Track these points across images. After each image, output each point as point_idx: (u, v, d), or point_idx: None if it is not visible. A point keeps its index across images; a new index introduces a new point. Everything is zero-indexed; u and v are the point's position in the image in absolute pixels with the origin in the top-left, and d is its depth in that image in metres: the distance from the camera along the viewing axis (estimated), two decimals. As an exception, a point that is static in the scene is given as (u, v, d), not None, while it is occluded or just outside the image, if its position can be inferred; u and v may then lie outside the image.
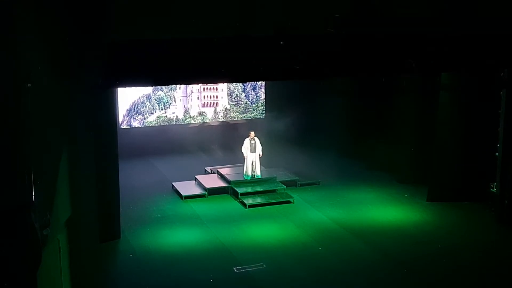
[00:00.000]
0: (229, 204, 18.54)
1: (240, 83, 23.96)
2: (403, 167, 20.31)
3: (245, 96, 24.66)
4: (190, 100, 23.92)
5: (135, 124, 23.40)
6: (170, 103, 23.67)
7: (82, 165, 12.84)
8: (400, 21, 14.75)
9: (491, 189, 17.32)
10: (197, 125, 24.19)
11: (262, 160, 19.70)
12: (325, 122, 23.63)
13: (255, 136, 19.47)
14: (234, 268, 14.17)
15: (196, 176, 20.10)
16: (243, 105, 24.64)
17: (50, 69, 9.97)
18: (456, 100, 17.98)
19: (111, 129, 15.39)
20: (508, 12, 15.32)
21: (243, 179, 19.48)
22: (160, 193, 19.34)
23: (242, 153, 19.52)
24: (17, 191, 8.43)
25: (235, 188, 18.99)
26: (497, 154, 16.86)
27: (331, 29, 13.94)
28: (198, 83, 22.29)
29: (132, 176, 20.26)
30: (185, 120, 23.98)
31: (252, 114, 24.74)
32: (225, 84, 23.72)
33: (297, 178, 20.20)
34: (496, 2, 15.56)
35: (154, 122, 23.60)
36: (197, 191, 19.23)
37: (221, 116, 24.43)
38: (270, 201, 18.51)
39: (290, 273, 14.06)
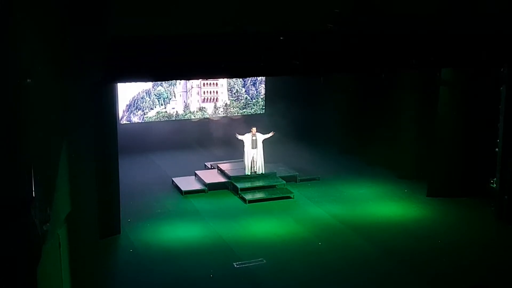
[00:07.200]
0: (229, 200, 18.53)
1: (240, 79, 23.95)
2: (403, 163, 20.31)
3: (245, 91, 24.63)
4: (190, 96, 23.90)
5: (135, 119, 23.39)
6: (170, 99, 23.65)
7: (82, 160, 12.83)
8: (400, 18, 14.73)
9: (491, 185, 17.32)
10: (197, 120, 24.18)
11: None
12: (325, 118, 23.62)
13: (257, 132, 19.46)
14: (234, 264, 14.19)
15: (196, 172, 20.09)
16: (243, 101, 24.62)
17: (50, 65, 9.96)
18: (456, 95, 17.97)
19: (111, 125, 15.39)
20: (507, 9, 15.32)
21: (243, 174, 19.48)
22: (160, 188, 19.34)
23: (238, 137, 19.40)
24: (17, 187, 8.43)
25: (235, 183, 18.98)
26: (497, 149, 16.86)
27: (331, 25, 13.92)
28: (198, 79, 22.28)
29: (132, 172, 20.26)
30: (185, 115, 23.97)
31: (252, 110, 24.72)
32: (225, 79, 23.71)
33: (297, 173, 20.19)
34: (495, 1, 15.57)
35: (154, 117, 23.58)
36: (197, 186, 19.23)
37: (221, 111, 24.41)
38: (270, 196, 18.50)
39: (290, 268, 14.07)
